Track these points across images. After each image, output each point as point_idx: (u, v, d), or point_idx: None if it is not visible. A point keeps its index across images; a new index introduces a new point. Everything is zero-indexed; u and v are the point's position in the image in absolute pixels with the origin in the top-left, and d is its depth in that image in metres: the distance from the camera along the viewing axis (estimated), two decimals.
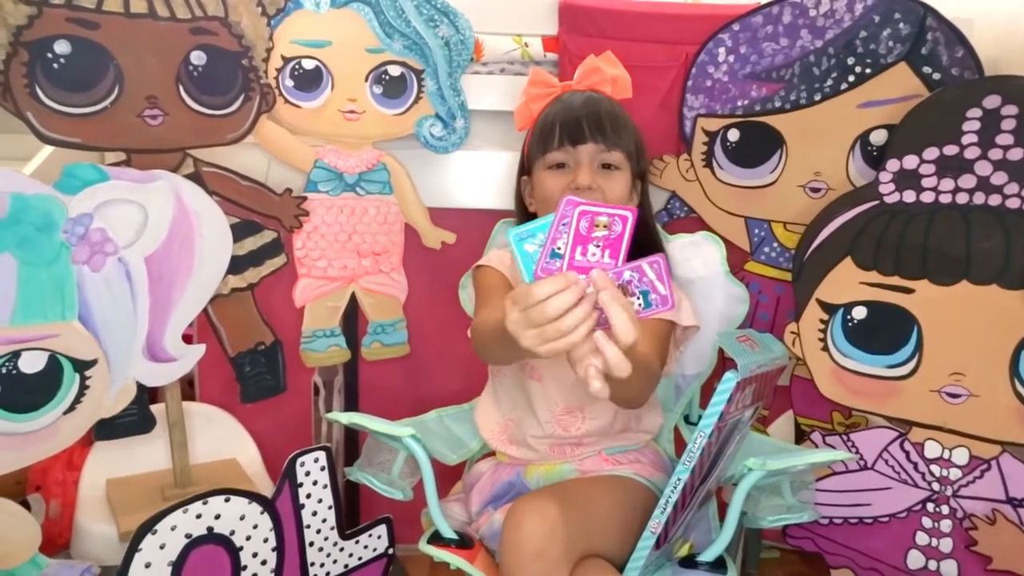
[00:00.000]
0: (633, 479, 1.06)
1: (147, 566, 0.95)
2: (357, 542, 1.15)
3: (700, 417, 1.24)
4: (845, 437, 1.22)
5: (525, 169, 1.15)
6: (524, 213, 1.17)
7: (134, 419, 1.18)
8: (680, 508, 0.93)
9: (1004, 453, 1.11)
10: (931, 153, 1.11)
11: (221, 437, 1.40)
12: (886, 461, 1.19)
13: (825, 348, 1.21)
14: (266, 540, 1.05)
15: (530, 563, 0.89)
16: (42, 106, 1.06)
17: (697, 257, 1.22)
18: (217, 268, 1.19)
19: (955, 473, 1.15)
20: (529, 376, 1.10)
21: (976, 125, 1.08)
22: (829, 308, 1.20)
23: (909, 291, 1.13)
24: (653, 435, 1.17)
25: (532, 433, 1.09)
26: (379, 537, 1.17)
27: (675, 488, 0.90)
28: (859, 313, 1.17)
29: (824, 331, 1.20)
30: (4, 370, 0.97)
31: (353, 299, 1.38)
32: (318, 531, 1.10)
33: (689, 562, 1.01)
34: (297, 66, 1.27)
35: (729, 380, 0.88)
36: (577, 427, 1.08)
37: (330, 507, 1.11)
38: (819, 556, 1.28)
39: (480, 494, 1.10)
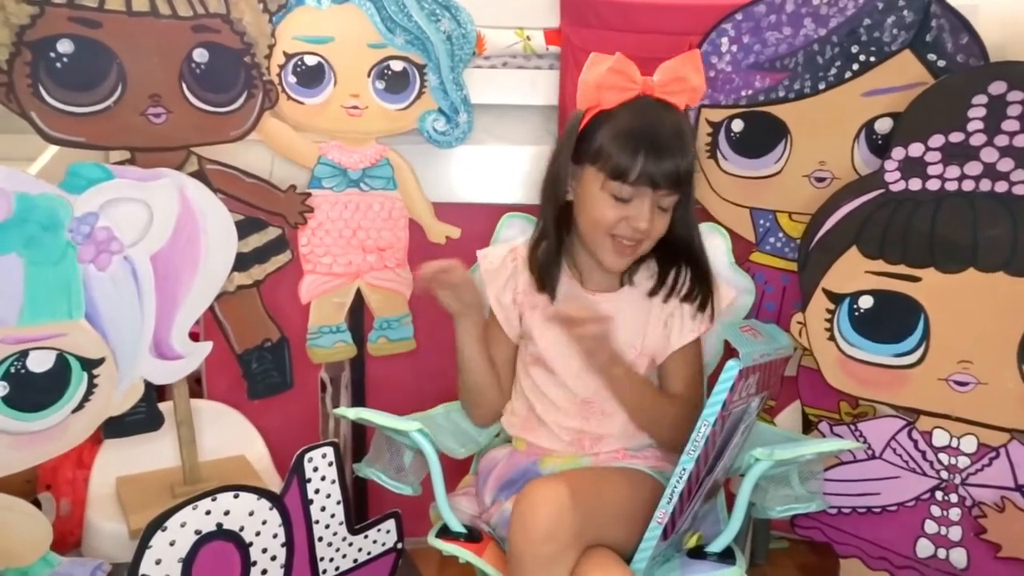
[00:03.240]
0: (645, 472, 1.06)
1: (157, 563, 0.95)
2: (366, 537, 1.16)
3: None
4: (853, 427, 1.22)
5: (575, 156, 1.06)
6: (555, 196, 1.09)
7: (142, 417, 1.19)
8: (687, 498, 0.93)
9: (1012, 440, 1.11)
10: (936, 140, 1.10)
11: (229, 434, 1.41)
12: (894, 450, 1.19)
13: (832, 338, 1.20)
14: (275, 536, 1.05)
15: (539, 546, 0.89)
16: (46, 106, 1.07)
17: None
18: (222, 265, 1.19)
19: (963, 461, 1.14)
20: (543, 369, 1.12)
21: (982, 112, 1.07)
22: (835, 297, 1.19)
23: (916, 279, 1.13)
24: None
25: (555, 420, 1.10)
26: (388, 532, 1.18)
27: (680, 478, 0.90)
28: (866, 302, 1.17)
29: (831, 321, 1.20)
30: (12, 370, 0.97)
31: (359, 295, 1.38)
32: (327, 526, 1.10)
33: (698, 553, 1.01)
34: (299, 62, 1.27)
35: (731, 369, 0.88)
36: (598, 420, 1.09)
37: (338, 502, 1.11)
38: (828, 546, 1.28)
39: (497, 479, 1.10)
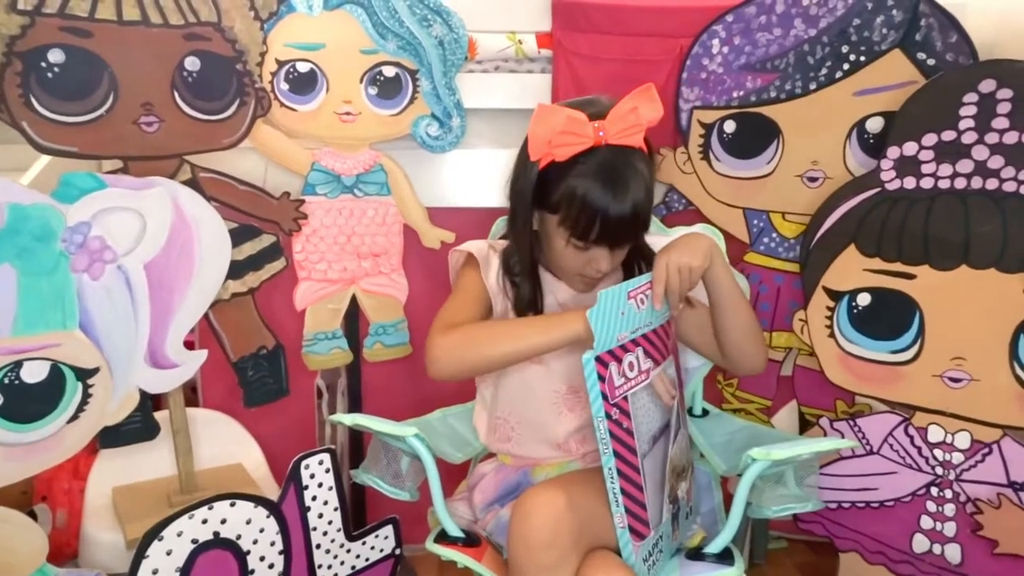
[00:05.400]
0: None
1: (154, 572, 0.95)
2: (364, 543, 1.15)
3: (703, 410, 1.25)
4: (852, 422, 1.22)
5: (533, 198, 1.02)
6: (526, 229, 1.05)
7: (138, 426, 1.19)
8: (637, 490, 0.93)
9: (1005, 437, 1.12)
10: (930, 139, 1.11)
11: (225, 442, 1.40)
12: (891, 446, 1.20)
13: (832, 335, 1.21)
14: (273, 543, 1.05)
15: (539, 554, 0.89)
16: (37, 116, 1.06)
17: None
18: (217, 273, 1.19)
19: (957, 457, 1.15)
20: (529, 362, 1.08)
21: (973, 110, 1.08)
22: (835, 295, 1.20)
23: (911, 277, 1.14)
24: None
25: (544, 421, 1.09)
26: (386, 537, 1.17)
27: (613, 479, 0.91)
28: (863, 299, 1.18)
29: (831, 318, 1.21)
30: (6, 380, 0.97)
31: (354, 301, 1.38)
32: (324, 533, 1.10)
33: (696, 554, 1.01)
34: (292, 69, 1.27)
35: (588, 362, 0.90)
36: (583, 408, 1.08)
37: (336, 509, 1.11)
38: (826, 546, 1.28)
39: (483, 494, 1.10)
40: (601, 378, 0.90)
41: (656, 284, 0.98)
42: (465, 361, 1.00)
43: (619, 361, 0.94)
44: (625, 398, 0.94)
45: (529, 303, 1.06)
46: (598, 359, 0.91)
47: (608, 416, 0.91)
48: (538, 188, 1.02)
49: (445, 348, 1.00)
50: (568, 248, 1.01)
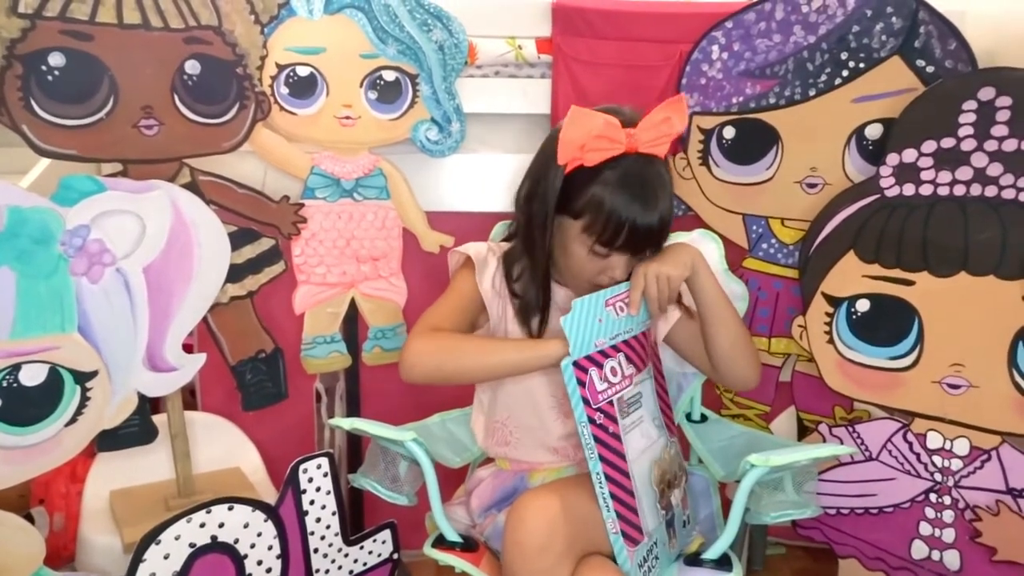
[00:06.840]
0: None
1: None
2: (362, 548, 1.15)
3: (702, 415, 1.25)
4: (851, 428, 1.22)
5: (558, 205, 1.01)
6: (544, 243, 1.03)
7: (136, 430, 1.18)
8: (628, 495, 0.93)
9: (1004, 443, 1.12)
10: (929, 146, 1.12)
11: (223, 446, 1.40)
12: (890, 452, 1.20)
13: (831, 341, 1.21)
14: (270, 548, 1.05)
15: (533, 559, 0.89)
16: (37, 119, 1.06)
17: None
18: (216, 277, 1.19)
19: (956, 464, 1.15)
20: None
21: (972, 117, 1.08)
22: (834, 301, 1.20)
23: (910, 283, 1.14)
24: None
25: (540, 424, 1.09)
26: (384, 542, 1.17)
27: (601, 484, 0.92)
28: (862, 306, 1.18)
29: (830, 324, 1.21)
30: (5, 383, 0.97)
31: (353, 305, 1.38)
32: (322, 537, 1.10)
33: (695, 560, 1.01)
34: (292, 73, 1.27)
35: (565, 368, 0.91)
36: None
37: (334, 513, 1.11)
38: (825, 552, 1.28)
39: (479, 499, 1.10)
40: (581, 383, 0.91)
41: (633, 291, 0.99)
42: (437, 370, 1.01)
43: (600, 367, 0.94)
44: (611, 403, 0.94)
45: (536, 310, 1.06)
46: (576, 365, 0.91)
47: (592, 421, 0.91)
48: (561, 193, 1.01)
49: (420, 353, 1.00)
50: (588, 255, 1.01)
